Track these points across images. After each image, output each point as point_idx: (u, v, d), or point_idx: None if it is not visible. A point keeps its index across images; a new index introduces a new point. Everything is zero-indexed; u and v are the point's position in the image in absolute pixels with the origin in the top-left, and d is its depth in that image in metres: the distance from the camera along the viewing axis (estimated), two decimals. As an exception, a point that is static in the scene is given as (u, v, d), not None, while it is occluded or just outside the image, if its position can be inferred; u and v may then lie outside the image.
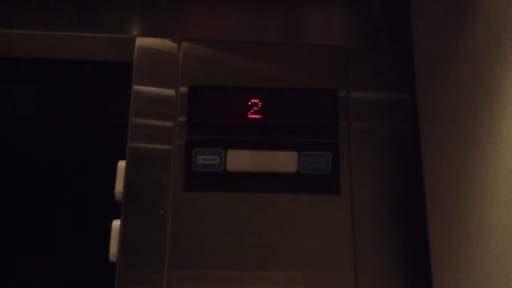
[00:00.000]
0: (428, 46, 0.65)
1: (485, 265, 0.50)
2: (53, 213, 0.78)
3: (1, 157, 0.79)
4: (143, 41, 0.70)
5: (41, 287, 0.76)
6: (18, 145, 0.81)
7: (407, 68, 0.70)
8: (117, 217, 0.64)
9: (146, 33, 0.71)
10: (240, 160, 0.66)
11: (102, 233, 0.64)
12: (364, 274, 0.64)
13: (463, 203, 0.54)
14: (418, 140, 0.67)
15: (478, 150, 0.52)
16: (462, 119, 0.55)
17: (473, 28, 0.54)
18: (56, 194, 0.79)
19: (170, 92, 0.69)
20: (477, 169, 0.52)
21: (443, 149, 0.59)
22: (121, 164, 0.66)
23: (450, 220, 0.57)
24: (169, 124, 0.67)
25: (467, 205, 0.53)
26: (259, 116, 0.68)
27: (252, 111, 0.68)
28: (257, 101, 0.69)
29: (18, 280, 0.76)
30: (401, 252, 0.65)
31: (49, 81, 0.83)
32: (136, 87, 0.68)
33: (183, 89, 0.69)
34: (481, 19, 0.52)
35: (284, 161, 0.67)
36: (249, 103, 0.69)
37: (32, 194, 0.79)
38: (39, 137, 0.82)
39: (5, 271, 0.76)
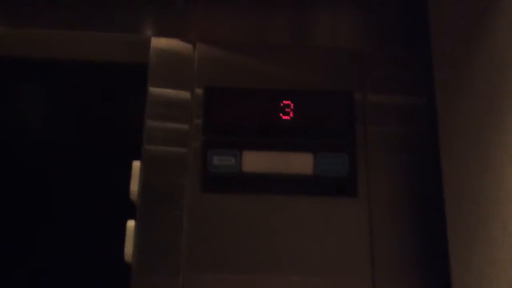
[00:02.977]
0: (447, 49, 0.64)
1: (508, 270, 0.49)
2: (67, 213, 0.78)
3: (16, 159, 0.79)
4: (158, 42, 0.70)
5: (55, 288, 0.76)
6: (32, 147, 0.81)
7: (424, 71, 0.69)
8: (131, 217, 0.64)
9: (161, 34, 0.71)
10: (255, 161, 0.66)
11: (117, 234, 0.63)
12: (381, 279, 0.63)
13: (487, 206, 0.53)
14: (436, 143, 0.66)
15: (501, 152, 0.51)
16: (485, 122, 0.54)
17: (495, 30, 0.53)
18: (69, 194, 0.79)
19: (185, 93, 0.68)
20: (500, 172, 0.51)
21: (464, 151, 0.59)
22: (136, 164, 0.65)
23: (472, 224, 0.56)
24: (185, 126, 0.67)
25: (491, 208, 0.52)
26: (275, 118, 0.68)
27: (267, 112, 0.68)
28: (273, 103, 0.68)
29: (32, 282, 0.76)
30: (419, 256, 0.64)
31: (61, 83, 0.83)
32: (151, 89, 0.68)
33: (198, 90, 0.68)
34: (504, 20, 0.52)
35: (300, 162, 0.66)
36: (265, 104, 0.68)
37: (45, 195, 0.79)
38: (52, 138, 0.82)
39: (19, 272, 0.76)
